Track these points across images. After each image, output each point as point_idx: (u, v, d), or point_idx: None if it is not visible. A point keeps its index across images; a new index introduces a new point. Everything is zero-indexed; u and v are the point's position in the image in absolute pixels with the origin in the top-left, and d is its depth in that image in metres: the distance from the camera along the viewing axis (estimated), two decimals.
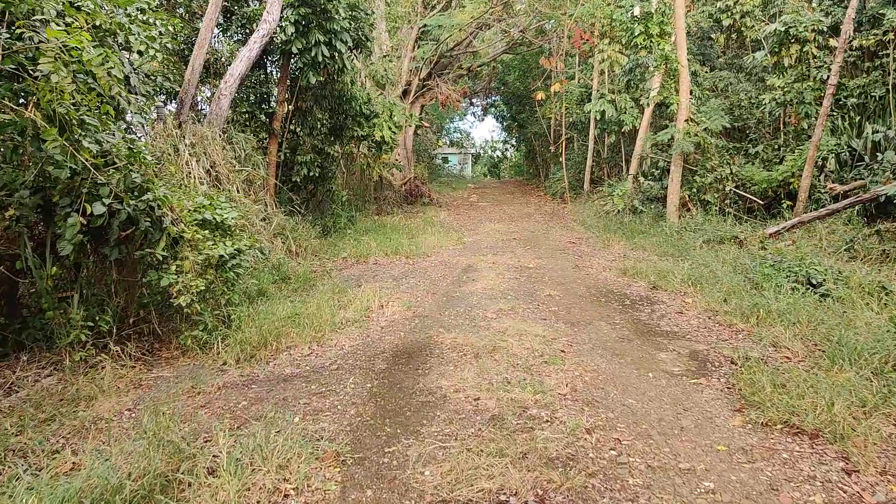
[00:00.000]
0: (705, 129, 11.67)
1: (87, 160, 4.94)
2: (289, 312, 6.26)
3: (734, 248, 9.33)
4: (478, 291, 7.77)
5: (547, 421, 3.99)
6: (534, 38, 23.24)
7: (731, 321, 6.10)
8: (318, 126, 13.36)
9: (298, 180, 12.13)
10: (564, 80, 22.19)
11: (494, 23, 22.47)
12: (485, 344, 5.54)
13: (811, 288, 6.58)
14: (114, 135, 5.12)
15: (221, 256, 5.88)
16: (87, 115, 5.00)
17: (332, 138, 13.26)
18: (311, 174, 12.23)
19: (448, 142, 41.57)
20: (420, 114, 20.96)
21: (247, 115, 11.84)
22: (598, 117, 16.41)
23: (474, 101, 31.33)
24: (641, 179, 13.37)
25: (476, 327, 6.16)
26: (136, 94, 6.52)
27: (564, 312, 6.73)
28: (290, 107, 12.50)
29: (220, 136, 9.87)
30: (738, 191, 11.46)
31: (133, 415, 4.26)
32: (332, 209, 12.84)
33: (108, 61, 4.93)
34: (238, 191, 9.56)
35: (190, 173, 8.58)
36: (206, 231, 5.99)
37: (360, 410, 4.24)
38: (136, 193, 5.27)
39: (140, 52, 6.74)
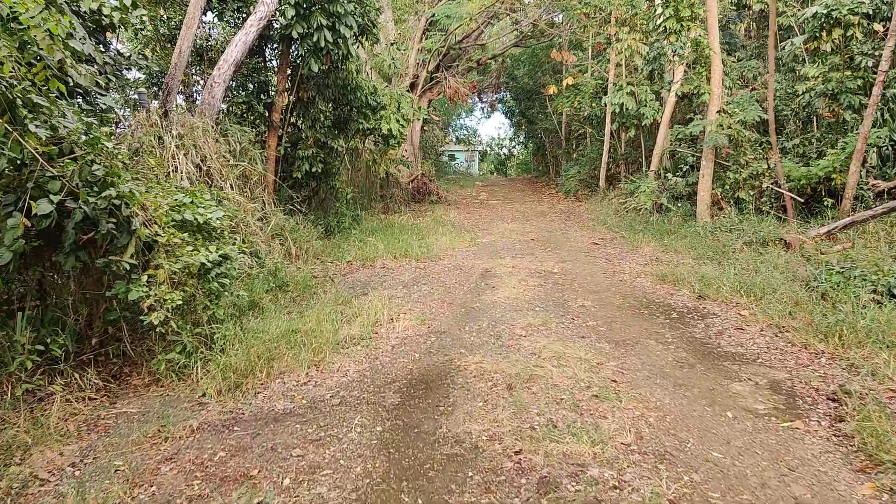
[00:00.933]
0: (739, 122, 10.64)
1: (35, 148, 3.99)
2: (284, 329, 5.29)
3: (780, 250, 8.31)
4: (500, 301, 6.78)
5: (614, 487, 3.00)
6: (545, 29, 22.20)
7: (807, 341, 5.09)
8: (321, 118, 12.39)
9: (300, 176, 11.17)
10: (577, 74, 21.18)
11: (504, 15, 21.44)
12: (518, 371, 4.55)
13: None
14: (65, 116, 4.15)
15: (203, 264, 4.92)
16: (35, 94, 4.04)
17: (336, 131, 12.30)
18: (314, 170, 11.27)
19: (454, 139, 40.56)
20: (428, 108, 19.96)
21: (244, 107, 10.87)
22: (617, 111, 15.38)
23: (483, 96, 30.28)
24: (667, 176, 12.34)
25: (504, 348, 5.17)
26: (98, 68, 5.54)
27: (605, 328, 5.74)
28: (290, 97, 11.54)
29: (212, 127, 8.91)
30: (776, 188, 10.42)
31: (77, 472, 3.29)
32: (335, 207, 11.87)
33: (49, 21, 3.94)
34: (232, 187, 8.59)
35: (177, 167, 7.61)
36: (186, 234, 5.03)
37: (368, 467, 3.26)
38: (96, 189, 4.30)
39: (112, 27, 5.78)
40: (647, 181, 12.59)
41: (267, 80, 11.31)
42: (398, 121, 12.61)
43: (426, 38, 18.36)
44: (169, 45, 10.78)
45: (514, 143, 41.39)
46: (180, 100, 10.72)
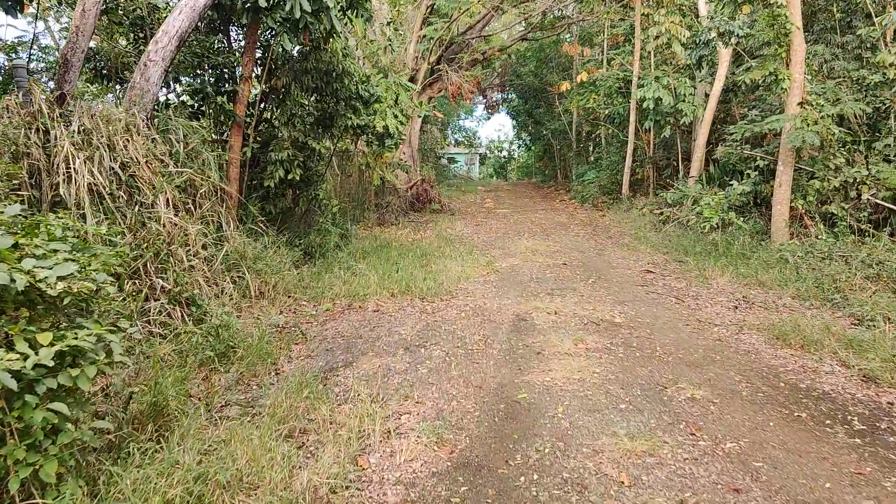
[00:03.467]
0: (828, 116, 8.16)
1: None
2: (181, 491, 2.72)
3: None
4: (557, 387, 4.24)
5: None
6: (555, 21, 19.73)
7: None
8: (300, 112, 9.84)
9: (272, 185, 8.61)
10: (592, 69, 18.72)
11: (511, 6, 18.91)
12: None
13: None
14: None
15: (19, 376, 2.37)
16: None
17: (320, 129, 9.75)
18: (290, 177, 8.71)
19: (453, 141, 37.98)
20: (429, 105, 17.41)
21: (199, 97, 8.28)
22: (652, 107, 12.88)
23: (486, 93, 27.77)
24: (726, 183, 9.84)
25: None
26: None
27: (759, 460, 3.21)
28: (262, 87, 8.99)
29: (144, 121, 6.36)
30: (880, 201, 7.94)
31: None
32: (318, 224, 9.31)
33: None
34: (169, 204, 6.04)
35: (71, 177, 5.05)
36: None
37: None
38: None
39: None
40: (707, 192, 10.05)
41: (231, 65, 8.74)
42: (396, 116, 10.07)
43: (427, 26, 15.82)
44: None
45: (514, 145, 38.90)
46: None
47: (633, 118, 15.29)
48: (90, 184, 5.20)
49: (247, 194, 8.84)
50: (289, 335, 5.57)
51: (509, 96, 27.66)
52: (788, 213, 8.45)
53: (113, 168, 5.65)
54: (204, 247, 6.44)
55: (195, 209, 6.55)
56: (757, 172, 9.04)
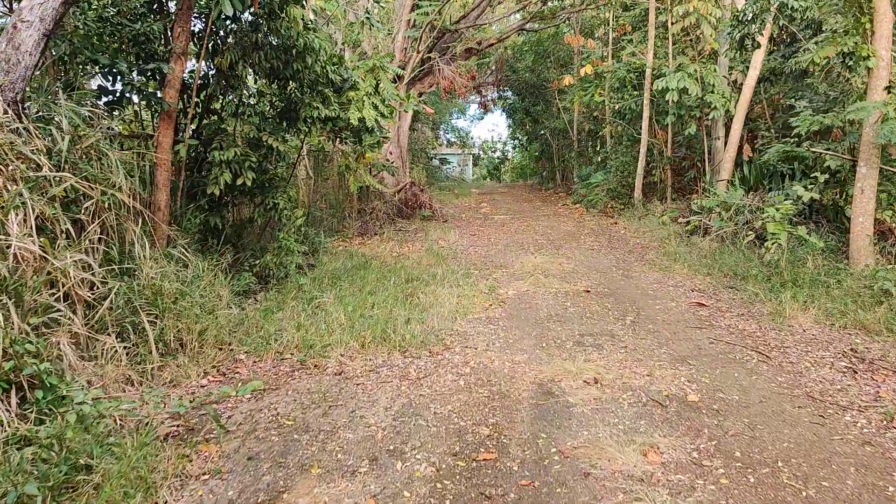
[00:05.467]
0: None
1: None
2: None
3: None
4: None
5: None
6: (556, 8, 17.75)
7: None
8: (254, 101, 7.83)
9: (217, 192, 6.58)
10: (597, 61, 16.76)
11: None
12: None
13: None
14: None
15: None
16: None
17: (284, 123, 7.72)
18: (240, 182, 6.68)
19: (445, 141, 35.91)
20: (419, 101, 15.37)
21: (112, 77, 6.19)
22: (675, 99, 10.93)
23: (482, 90, 25.75)
24: (776, 188, 7.90)
25: None
26: None
27: None
28: (203, 66, 6.95)
29: (7, 105, 4.34)
30: None
31: None
32: (278, 240, 7.26)
33: None
34: (31, 226, 3.99)
35: None
36: None
37: None
38: None
39: None
40: (756, 198, 8.07)
41: (160, 38, 6.65)
42: (376, 107, 8.04)
43: (417, 9, 13.76)
44: None
45: (509, 145, 36.91)
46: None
47: (646, 113, 13.35)
48: None
49: (186, 204, 6.82)
50: (193, 432, 3.55)
51: (505, 93, 25.65)
52: (872, 228, 6.51)
53: None
54: (91, 286, 4.42)
55: (77, 231, 4.51)
56: (828, 174, 7.09)
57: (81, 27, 5.68)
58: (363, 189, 12.04)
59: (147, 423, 3.48)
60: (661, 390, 3.99)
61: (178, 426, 3.67)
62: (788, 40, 11.21)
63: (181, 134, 6.54)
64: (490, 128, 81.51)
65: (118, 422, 3.43)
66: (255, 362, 4.79)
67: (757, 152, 10.99)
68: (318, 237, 8.97)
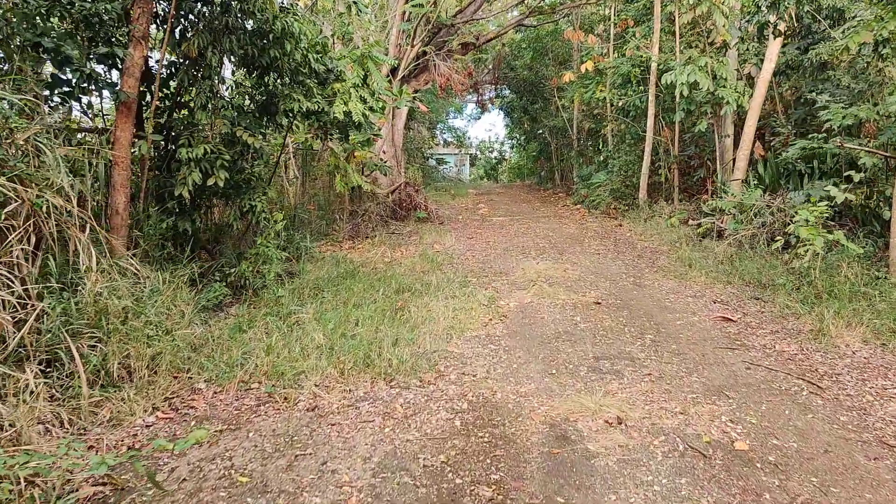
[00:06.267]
0: None
1: None
2: None
3: None
4: None
5: None
6: (556, 2, 17.01)
7: None
8: (228, 93, 7.09)
9: (185, 195, 5.82)
10: (597, 57, 16.05)
11: None
12: None
13: None
14: None
15: None
16: None
17: (260, 116, 6.96)
18: (212, 182, 5.94)
19: (442, 141, 35.12)
20: (414, 98, 14.60)
21: (59, 63, 5.42)
22: (686, 93, 10.21)
23: (479, 88, 25.02)
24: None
25: None
26: None
27: None
28: (167, 53, 6.19)
29: None
30: None
31: None
32: (255, 247, 6.50)
33: None
34: None
35: None
36: None
37: None
38: None
39: None
40: (778, 199, 7.34)
41: (111, 16, 5.87)
42: (364, 100, 7.28)
43: (411, 1, 12.99)
44: None
45: (506, 145, 36.17)
46: None
47: (651, 110, 12.64)
48: None
49: (152, 207, 6.06)
50: (123, 494, 2.80)
51: (502, 92, 24.92)
52: None
53: None
54: (19, 306, 3.69)
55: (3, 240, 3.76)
56: (865, 174, 6.37)
57: (20, 3, 4.91)
58: (355, 190, 11.29)
59: (66, 484, 2.75)
60: (699, 434, 3.26)
61: (104, 485, 2.92)
62: (803, 32, 10.51)
63: (144, 129, 5.78)
64: (487, 128, 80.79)
65: (22, 484, 2.68)
66: (215, 394, 4.04)
67: (770, 150, 10.30)
68: (303, 241, 8.22)
